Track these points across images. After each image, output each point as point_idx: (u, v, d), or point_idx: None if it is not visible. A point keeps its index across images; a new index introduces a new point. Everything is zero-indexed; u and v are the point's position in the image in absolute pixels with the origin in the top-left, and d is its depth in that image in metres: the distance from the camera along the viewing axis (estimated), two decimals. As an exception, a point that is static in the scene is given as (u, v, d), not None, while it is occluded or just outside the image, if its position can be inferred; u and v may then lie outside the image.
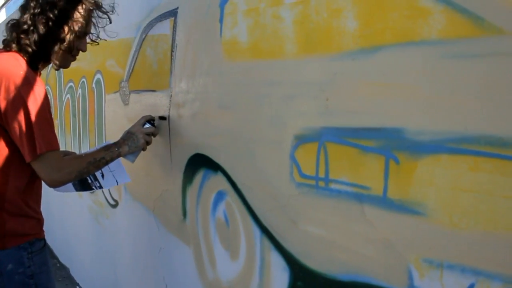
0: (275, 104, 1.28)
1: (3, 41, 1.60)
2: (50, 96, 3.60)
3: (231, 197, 1.51)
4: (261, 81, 1.34)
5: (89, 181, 1.86)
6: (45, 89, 1.56)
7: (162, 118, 1.87)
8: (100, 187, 1.88)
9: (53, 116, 1.67)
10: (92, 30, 1.72)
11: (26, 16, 1.54)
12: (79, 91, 2.99)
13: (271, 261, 1.35)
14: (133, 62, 2.17)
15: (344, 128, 1.08)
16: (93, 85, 2.72)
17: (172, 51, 1.81)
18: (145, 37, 2.05)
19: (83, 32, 1.63)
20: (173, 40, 1.80)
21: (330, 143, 1.12)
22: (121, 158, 1.77)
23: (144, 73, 2.10)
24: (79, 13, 1.60)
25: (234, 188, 1.49)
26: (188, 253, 1.81)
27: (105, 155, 1.65)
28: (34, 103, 1.47)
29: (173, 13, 1.81)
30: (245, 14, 1.39)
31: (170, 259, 1.97)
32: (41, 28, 1.53)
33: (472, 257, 0.85)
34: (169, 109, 1.84)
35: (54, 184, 1.55)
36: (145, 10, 2.04)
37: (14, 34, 1.56)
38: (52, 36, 1.56)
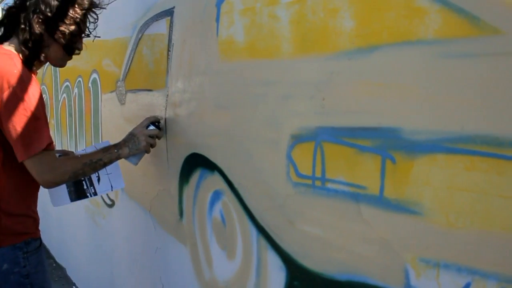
0: (272, 104, 1.28)
1: None
2: (46, 96, 3.60)
3: (228, 197, 1.50)
4: (258, 81, 1.33)
5: (85, 187, 1.83)
6: (40, 89, 1.55)
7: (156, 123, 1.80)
8: (95, 194, 1.86)
9: (49, 116, 1.66)
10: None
11: (22, 15, 1.53)
12: (75, 90, 2.98)
13: (267, 261, 1.35)
14: (130, 62, 2.17)
15: (341, 127, 1.08)
16: (90, 85, 2.71)
17: (168, 50, 1.81)
18: (141, 36, 2.05)
19: (79, 31, 1.63)
20: (170, 39, 1.79)
21: (326, 142, 1.12)
22: (120, 161, 1.74)
23: (140, 72, 2.09)
24: (74, 11, 1.59)
25: (230, 188, 1.48)
26: (184, 253, 1.81)
27: (103, 157, 1.62)
28: (28, 102, 1.46)
29: (169, 13, 1.80)
30: (242, 14, 1.39)
31: (167, 259, 1.97)
32: (36, 27, 1.52)
33: (468, 256, 0.85)
34: (166, 109, 1.83)
35: (48, 185, 1.54)
36: (141, 9, 2.04)
37: (9, 33, 1.55)
38: (48, 35, 1.55)
